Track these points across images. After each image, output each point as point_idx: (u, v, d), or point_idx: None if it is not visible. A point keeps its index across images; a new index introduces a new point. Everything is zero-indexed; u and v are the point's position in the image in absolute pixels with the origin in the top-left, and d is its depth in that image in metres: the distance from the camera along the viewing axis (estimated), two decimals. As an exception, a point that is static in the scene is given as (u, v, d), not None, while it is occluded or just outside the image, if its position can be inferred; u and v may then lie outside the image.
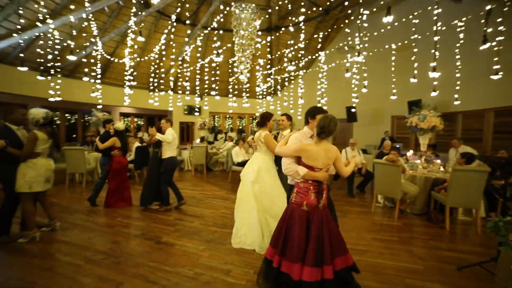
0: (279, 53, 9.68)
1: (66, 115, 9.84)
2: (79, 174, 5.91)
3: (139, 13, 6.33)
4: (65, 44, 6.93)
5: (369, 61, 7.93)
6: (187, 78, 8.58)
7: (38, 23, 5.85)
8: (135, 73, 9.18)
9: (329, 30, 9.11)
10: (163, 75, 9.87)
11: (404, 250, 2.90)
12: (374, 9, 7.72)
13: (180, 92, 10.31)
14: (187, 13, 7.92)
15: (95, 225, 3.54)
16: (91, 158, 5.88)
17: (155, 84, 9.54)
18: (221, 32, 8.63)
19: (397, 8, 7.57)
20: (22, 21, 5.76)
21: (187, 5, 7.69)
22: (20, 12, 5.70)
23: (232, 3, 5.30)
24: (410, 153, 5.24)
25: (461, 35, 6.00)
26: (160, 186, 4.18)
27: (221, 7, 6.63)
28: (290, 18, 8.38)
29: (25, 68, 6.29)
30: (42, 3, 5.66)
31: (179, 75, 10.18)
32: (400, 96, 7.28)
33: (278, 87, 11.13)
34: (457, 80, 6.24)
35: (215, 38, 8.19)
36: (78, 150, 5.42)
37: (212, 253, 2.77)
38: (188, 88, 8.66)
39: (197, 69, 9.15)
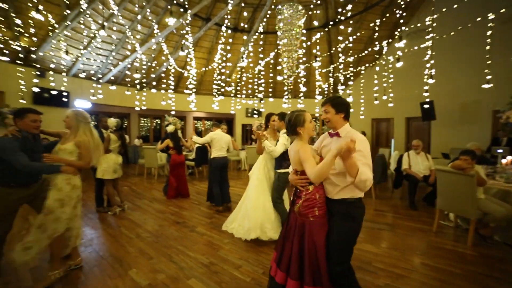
0: (341, 48, 8.99)
1: (156, 120, 12.17)
2: (153, 168, 7.22)
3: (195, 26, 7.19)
4: (149, 63, 8.61)
5: (450, 44, 6.42)
6: (243, 82, 9.10)
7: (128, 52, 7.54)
8: (202, 81, 10.46)
9: (399, 14, 7.83)
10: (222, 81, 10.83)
11: None
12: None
13: (238, 96, 11.03)
14: (242, 23, 8.48)
15: (152, 209, 4.29)
16: (163, 155, 7.09)
17: (218, 90, 10.57)
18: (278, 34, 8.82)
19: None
20: (128, 52, 7.59)
21: (245, 13, 8.23)
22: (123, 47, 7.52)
23: (278, 6, 5.34)
24: (507, 159, 3.91)
25: None
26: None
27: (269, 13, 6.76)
28: (348, 9, 7.69)
29: (121, 88, 8.20)
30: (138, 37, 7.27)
31: (238, 80, 10.92)
32: (502, 84, 5.55)
33: (339, 85, 10.35)
34: None
35: (261, 42, 8.39)
36: (151, 149, 6.65)
37: (232, 248, 2.91)
38: (244, 91, 9.20)
39: (256, 73, 9.61)
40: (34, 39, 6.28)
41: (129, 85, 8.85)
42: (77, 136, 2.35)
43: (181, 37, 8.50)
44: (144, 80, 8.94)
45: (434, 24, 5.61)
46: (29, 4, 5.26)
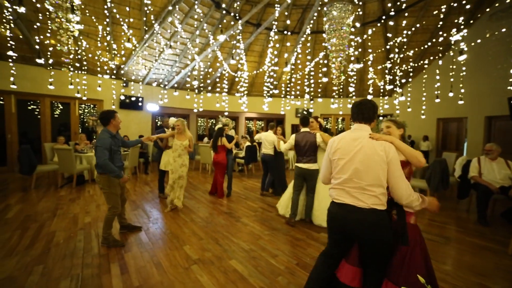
0: (403, 44, 8.19)
1: (211, 120, 13.41)
2: (208, 164, 8.05)
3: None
4: (206, 70, 9.61)
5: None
6: (291, 83, 9.21)
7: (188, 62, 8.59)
8: (253, 83, 11.03)
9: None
10: (275, 82, 11.14)
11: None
12: None
13: (287, 96, 11.18)
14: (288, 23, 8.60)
15: (204, 200, 4.90)
16: (215, 152, 7.86)
17: (269, 91, 10.96)
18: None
19: None
20: (188, 62, 8.75)
21: (294, 15, 8.36)
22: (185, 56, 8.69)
23: (326, 7, 5.33)
24: None
25: None
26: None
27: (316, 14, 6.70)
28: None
29: (184, 92, 9.42)
30: (196, 49, 8.30)
31: (288, 81, 11.08)
32: None
33: (397, 82, 9.42)
34: None
35: (308, 44, 8.30)
36: (205, 146, 7.45)
37: (271, 239, 3.18)
38: (294, 92, 9.31)
39: (306, 73, 9.62)
40: (123, 58, 7.88)
41: (189, 90, 10.06)
42: (187, 135, 4.23)
43: (234, 44, 9.20)
44: (201, 85, 10.01)
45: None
46: (122, 33, 6.72)
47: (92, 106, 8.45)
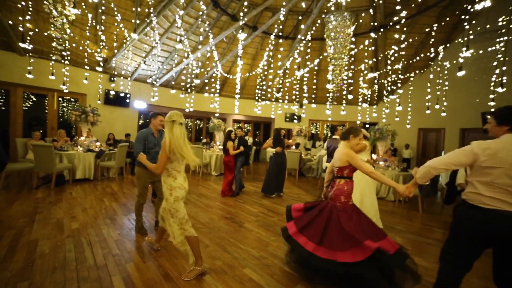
0: (391, 57, 8.62)
1: (196, 121, 13.06)
2: (198, 166, 7.80)
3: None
4: (199, 69, 9.37)
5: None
6: (286, 88, 9.28)
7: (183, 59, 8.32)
8: (244, 86, 10.94)
9: (464, 16, 7.22)
10: (265, 87, 11.16)
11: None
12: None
13: (280, 101, 11.25)
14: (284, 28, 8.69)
15: (201, 204, 4.70)
16: (207, 154, 7.63)
17: (262, 95, 10.94)
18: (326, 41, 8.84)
19: None
20: (182, 59, 8.45)
21: (300, 18, 8.46)
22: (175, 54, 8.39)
23: (327, 15, 5.43)
24: None
25: None
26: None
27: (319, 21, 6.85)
28: (402, 15, 7.38)
29: (174, 90, 9.08)
30: (186, 44, 8.05)
31: (280, 86, 11.16)
32: None
33: (385, 92, 9.89)
34: None
35: (308, 50, 8.46)
36: (198, 147, 7.21)
37: (280, 245, 3.10)
38: (286, 97, 9.38)
39: (298, 78, 9.75)
40: (116, 51, 7.41)
41: (183, 88, 9.72)
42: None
43: (228, 44, 9.07)
44: (193, 84, 9.72)
45: (511, 26, 5.10)
46: (115, 24, 6.30)
47: (73, 100, 7.81)
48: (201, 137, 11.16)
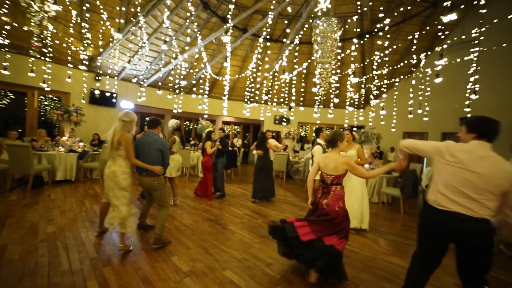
0: (376, 62, 8.87)
1: (186, 122, 12.92)
2: (186, 168, 7.70)
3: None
4: (187, 70, 9.30)
5: (497, 57, 6.07)
6: (275, 90, 9.34)
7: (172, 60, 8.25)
8: (234, 88, 10.94)
9: (440, 26, 7.55)
10: (254, 90, 11.20)
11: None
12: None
13: (269, 103, 11.32)
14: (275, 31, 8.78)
15: (186, 206, 4.64)
16: (194, 156, 7.55)
17: (251, 97, 10.96)
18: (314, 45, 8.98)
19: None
20: (165, 60, 8.36)
21: (285, 22, 8.55)
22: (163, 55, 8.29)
23: (315, 20, 5.53)
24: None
25: None
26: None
27: (306, 25, 6.97)
28: (386, 23, 7.63)
29: (160, 91, 8.96)
30: (175, 44, 7.99)
31: (269, 88, 11.22)
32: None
33: (371, 96, 10.14)
34: None
35: (296, 54, 8.58)
36: (186, 150, 7.12)
37: (263, 247, 3.10)
38: (275, 99, 9.45)
39: (287, 81, 9.84)
40: (101, 49, 7.23)
41: (170, 89, 9.61)
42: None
43: (218, 46, 9.06)
44: (182, 85, 9.63)
45: (482, 38, 5.37)
46: (101, 22, 6.16)
47: (56, 99, 7.55)
48: (190, 138, 11.04)
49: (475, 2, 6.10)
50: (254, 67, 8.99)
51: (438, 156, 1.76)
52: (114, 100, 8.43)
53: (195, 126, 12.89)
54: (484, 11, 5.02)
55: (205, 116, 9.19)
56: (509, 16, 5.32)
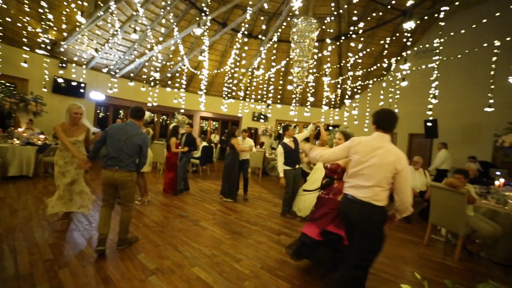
0: (351, 63, 9.20)
1: (163, 117, 12.47)
2: (159, 163, 7.45)
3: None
4: (163, 63, 8.94)
5: (456, 65, 6.62)
6: (253, 87, 9.33)
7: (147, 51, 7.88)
8: (212, 83, 10.75)
9: (408, 34, 8.02)
10: (232, 85, 11.11)
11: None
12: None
13: (247, 99, 11.29)
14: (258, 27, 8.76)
15: (157, 202, 4.50)
16: (169, 151, 7.31)
17: (228, 93, 10.84)
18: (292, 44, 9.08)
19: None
20: (146, 51, 7.95)
21: (262, 18, 8.52)
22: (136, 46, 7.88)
23: (293, 19, 5.59)
24: (499, 181, 4.07)
25: None
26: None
27: (284, 23, 7.03)
28: (361, 24, 7.93)
29: (132, 83, 8.53)
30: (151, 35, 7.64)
31: (248, 85, 11.19)
32: (504, 108, 5.73)
33: (347, 97, 10.54)
34: None
35: (274, 51, 8.65)
36: (159, 144, 6.88)
37: (234, 243, 3.10)
38: (253, 96, 9.44)
39: (265, 79, 9.88)
40: (65, 34, 6.64)
41: (145, 81, 9.18)
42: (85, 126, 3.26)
43: (197, 39, 8.81)
44: (157, 77, 9.24)
45: (441, 47, 5.81)
46: (65, 3, 5.63)
47: (10, 85, 6.82)
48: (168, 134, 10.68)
49: (436, 15, 6.59)
50: (232, 62, 8.89)
51: (348, 153, 1.95)
52: (82, 90, 7.87)
53: (171, 121, 12.49)
54: (443, 24, 5.43)
55: (182, 111, 8.94)
56: (462, 31, 5.83)
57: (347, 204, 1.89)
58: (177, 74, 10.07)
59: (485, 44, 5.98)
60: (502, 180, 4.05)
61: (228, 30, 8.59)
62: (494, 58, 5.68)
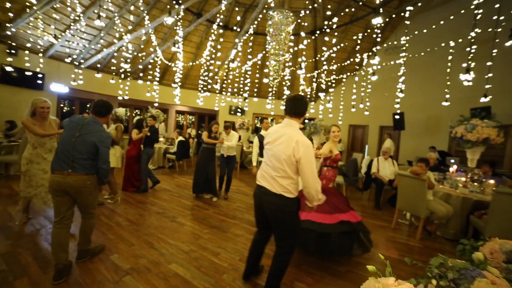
0: (325, 57, 9.43)
1: (136, 111, 11.84)
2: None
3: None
4: (135, 53, 8.43)
5: (421, 62, 7.10)
6: (229, 80, 9.19)
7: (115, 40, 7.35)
8: (187, 75, 10.39)
9: (378, 31, 8.41)
10: (207, 78, 10.86)
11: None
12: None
13: (223, 93, 11.12)
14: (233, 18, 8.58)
15: (132, 200, 4.32)
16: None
17: (204, 86, 10.57)
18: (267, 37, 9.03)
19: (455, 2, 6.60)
20: (114, 40, 7.38)
21: (236, 9, 8.35)
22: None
23: (269, 12, 5.56)
24: (453, 168, 4.50)
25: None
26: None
27: (260, 16, 6.97)
28: (336, 19, 8.12)
29: (99, 74, 7.96)
30: (119, 23, 7.12)
31: (224, 78, 11.00)
32: (461, 102, 6.29)
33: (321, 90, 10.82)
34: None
35: (250, 44, 8.58)
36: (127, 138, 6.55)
37: (212, 237, 3.09)
38: (230, 89, 9.30)
39: (242, 72, 9.77)
40: (11, 14, 5.90)
41: (114, 73, 8.59)
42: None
43: (170, 29, 8.41)
44: (128, 69, 8.70)
45: (407, 45, 6.18)
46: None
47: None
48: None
49: (402, 14, 6.98)
50: (208, 54, 8.65)
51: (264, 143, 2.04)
52: (40, 82, 7.16)
53: (144, 115, 11.91)
54: (408, 23, 5.77)
55: (156, 105, 8.57)
56: (424, 31, 6.26)
57: (260, 193, 1.95)
58: (150, 66, 9.56)
59: (443, 44, 6.50)
60: (455, 167, 4.49)
61: (204, 21, 8.31)
62: (450, 57, 6.21)
